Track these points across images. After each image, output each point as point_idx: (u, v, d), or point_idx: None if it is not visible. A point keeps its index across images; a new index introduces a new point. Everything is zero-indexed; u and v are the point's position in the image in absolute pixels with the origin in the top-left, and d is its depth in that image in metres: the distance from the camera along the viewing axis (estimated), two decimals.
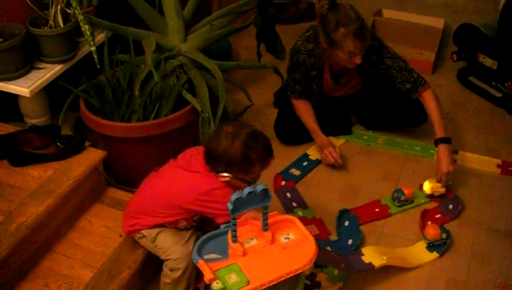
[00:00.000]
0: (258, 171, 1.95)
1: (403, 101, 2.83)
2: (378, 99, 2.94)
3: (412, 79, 2.71)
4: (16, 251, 1.91)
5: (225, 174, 1.90)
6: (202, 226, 2.14)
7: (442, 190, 2.59)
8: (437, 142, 2.61)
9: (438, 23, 3.79)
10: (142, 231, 2.04)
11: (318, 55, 2.73)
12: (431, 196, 2.60)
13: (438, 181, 2.58)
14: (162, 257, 2.00)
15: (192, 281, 2.02)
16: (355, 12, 2.52)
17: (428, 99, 2.69)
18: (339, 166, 2.78)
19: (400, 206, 2.56)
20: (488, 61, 3.31)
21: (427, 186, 2.59)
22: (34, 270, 2.02)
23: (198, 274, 1.98)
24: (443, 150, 2.58)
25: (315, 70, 2.77)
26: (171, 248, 1.97)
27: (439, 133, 2.61)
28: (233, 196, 1.56)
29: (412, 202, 2.58)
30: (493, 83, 3.34)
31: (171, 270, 1.97)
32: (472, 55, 3.43)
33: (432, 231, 2.34)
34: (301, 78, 2.80)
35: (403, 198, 2.54)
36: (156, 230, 2.02)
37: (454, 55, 3.69)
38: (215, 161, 1.90)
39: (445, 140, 2.60)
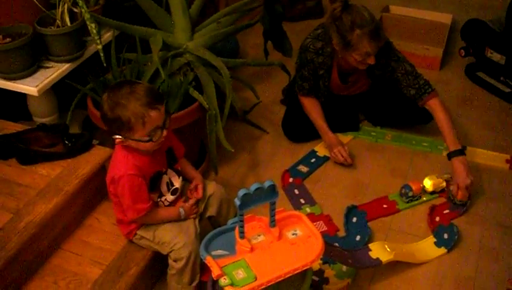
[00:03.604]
0: (141, 128, 1.81)
1: (411, 99, 2.81)
2: (386, 98, 2.93)
3: (417, 85, 2.66)
4: (24, 248, 1.92)
5: (116, 135, 1.86)
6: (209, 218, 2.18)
7: (443, 184, 2.58)
8: (450, 155, 2.53)
9: (445, 18, 3.78)
10: (138, 233, 2.05)
11: (327, 54, 2.72)
12: (433, 193, 2.59)
13: (456, 195, 2.49)
14: (166, 251, 2.00)
15: (197, 272, 2.02)
16: (369, 13, 2.51)
17: (435, 109, 2.62)
18: (348, 165, 2.78)
19: (407, 202, 2.55)
20: (496, 56, 3.29)
21: (428, 184, 2.57)
22: (42, 268, 2.03)
23: (204, 267, 1.98)
24: (458, 164, 2.49)
25: (323, 69, 2.76)
26: (174, 239, 1.98)
27: (452, 146, 2.52)
28: (241, 192, 1.57)
29: (420, 197, 2.57)
30: (501, 78, 3.33)
31: (175, 260, 1.98)
32: (480, 51, 3.42)
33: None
34: (309, 76, 2.79)
35: (410, 194, 2.53)
36: (151, 228, 2.03)
37: (462, 50, 3.67)
38: (105, 124, 1.89)
39: (459, 152, 2.51)
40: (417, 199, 2.57)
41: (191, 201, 2.07)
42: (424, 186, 2.57)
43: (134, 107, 1.79)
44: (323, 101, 2.89)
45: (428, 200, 2.57)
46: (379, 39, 2.51)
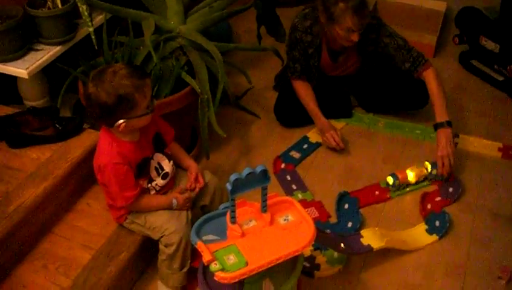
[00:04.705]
0: (143, 99, 1.82)
1: (404, 83, 2.81)
2: (379, 81, 2.92)
3: (411, 58, 2.68)
4: (14, 232, 1.91)
5: (120, 121, 1.82)
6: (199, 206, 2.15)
7: (426, 172, 2.58)
8: (436, 126, 2.57)
9: (440, 6, 3.76)
10: (129, 217, 2.05)
11: (315, 33, 2.71)
12: (418, 183, 2.59)
13: (439, 167, 2.53)
14: (157, 236, 1.99)
15: (188, 258, 2.02)
16: None
17: (429, 80, 2.64)
18: (340, 149, 2.77)
19: (394, 191, 2.55)
20: (490, 45, 3.28)
21: (411, 176, 2.56)
22: (32, 252, 2.02)
23: (195, 253, 1.97)
24: (439, 136, 2.54)
25: (312, 48, 2.76)
26: (165, 224, 1.97)
27: (439, 118, 2.57)
28: (232, 176, 1.55)
29: (407, 186, 2.57)
30: (495, 66, 3.32)
31: (166, 246, 1.97)
32: (474, 39, 3.41)
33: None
34: (300, 56, 2.78)
35: (396, 183, 2.52)
36: (143, 213, 2.02)
37: (456, 38, 3.67)
38: (106, 115, 1.82)
39: (444, 124, 2.55)
40: (404, 188, 2.56)
41: (187, 194, 2.04)
42: (407, 178, 2.57)
43: (131, 82, 1.78)
44: (315, 84, 2.88)
45: (415, 190, 2.57)
46: (362, 15, 2.50)
